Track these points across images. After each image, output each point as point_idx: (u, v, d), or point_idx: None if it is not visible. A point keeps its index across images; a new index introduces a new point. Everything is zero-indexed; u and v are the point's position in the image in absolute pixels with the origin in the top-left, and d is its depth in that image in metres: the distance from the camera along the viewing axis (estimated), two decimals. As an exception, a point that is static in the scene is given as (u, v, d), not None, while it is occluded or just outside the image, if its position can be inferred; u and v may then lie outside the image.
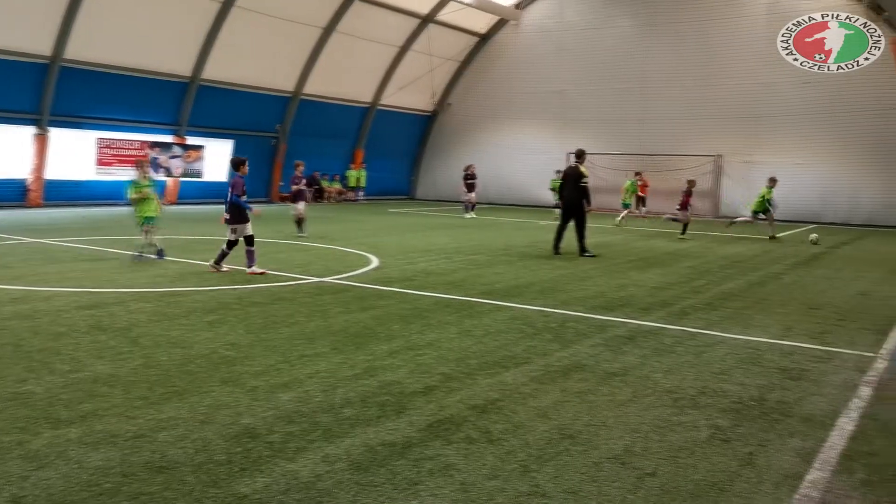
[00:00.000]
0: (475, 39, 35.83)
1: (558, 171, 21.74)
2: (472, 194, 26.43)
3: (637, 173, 26.71)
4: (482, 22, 34.93)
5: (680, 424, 5.06)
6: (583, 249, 14.70)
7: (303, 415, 5.01)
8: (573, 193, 14.90)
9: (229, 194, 11.23)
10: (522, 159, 34.63)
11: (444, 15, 32.86)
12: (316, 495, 3.81)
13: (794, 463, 4.45)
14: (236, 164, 11.66)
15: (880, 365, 6.87)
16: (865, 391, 6.00)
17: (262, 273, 11.02)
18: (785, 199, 28.71)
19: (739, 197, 27.97)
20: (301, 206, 17.31)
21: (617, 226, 23.05)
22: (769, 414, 5.35)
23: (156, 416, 4.91)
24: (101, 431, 4.60)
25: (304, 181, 18.02)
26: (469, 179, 26.36)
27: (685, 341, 7.61)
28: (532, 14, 34.66)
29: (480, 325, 8.05)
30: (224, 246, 11.26)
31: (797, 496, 3.99)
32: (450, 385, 5.79)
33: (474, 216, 25.70)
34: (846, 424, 5.17)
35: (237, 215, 11.20)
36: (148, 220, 12.38)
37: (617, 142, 32.29)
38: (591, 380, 6.07)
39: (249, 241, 11.21)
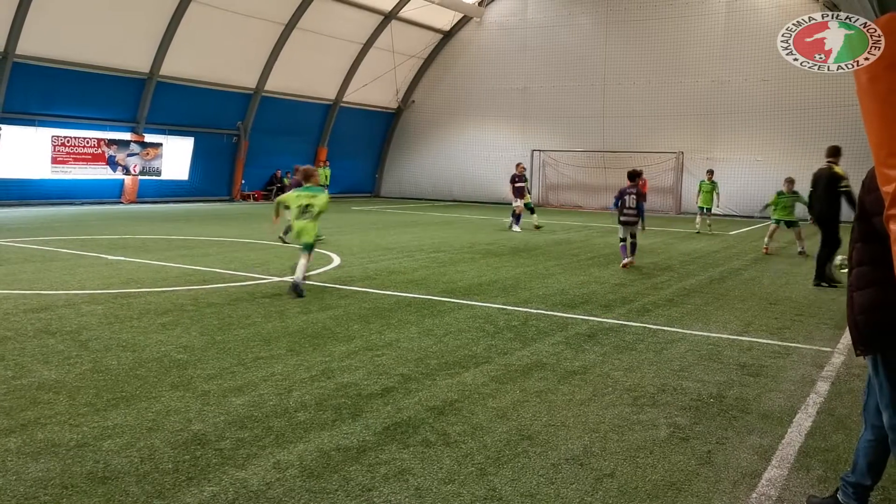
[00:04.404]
0: (438, 36, 35.71)
1: (789, 181, 15.97)
2: (521, 202, 20.20)
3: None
4: (445, 19, 34.81)
5: (639, 423, 5.02)
6: (820, 275, 11.49)
7: (255, 420, 4.87)
8: (824, 204, 11.43)
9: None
10: (486, 156, 34.71)
11: (406, 12, 32.70)
12: (265, 504, 3.68)
13: (753, 461, 4.43)
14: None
15: (837, 360, 6.93)
16: (823, 386, 6.03)
17: None
18: (743, 195, 29.21)
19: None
20: None
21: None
22: (728, 411, 5.34)
23: (101, 423, 4.73)
24: (43, 440, 4.41)
25: None
26: (519, 182, 20.18)
27: (646, 338, 7.60)
28: (495, 11, 34.66)
29: (441, 325, 7.96)
30: None
31: (755, 495, 3.97)
32: (408, 386, 5.69)
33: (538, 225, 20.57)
34: (804, 420, 5.18)
35: None
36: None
37: (580, 139, 32.44)
38: (551, 379, 6.01)
39: None
